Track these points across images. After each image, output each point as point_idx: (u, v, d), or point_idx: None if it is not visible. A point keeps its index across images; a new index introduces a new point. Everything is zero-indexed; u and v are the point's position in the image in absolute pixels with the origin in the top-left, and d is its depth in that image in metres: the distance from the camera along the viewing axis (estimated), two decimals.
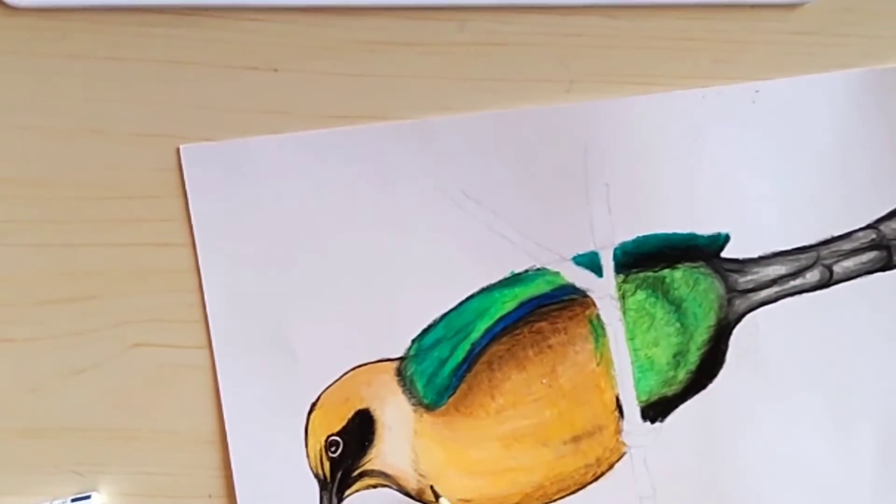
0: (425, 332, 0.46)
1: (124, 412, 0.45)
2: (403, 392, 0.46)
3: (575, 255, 0.46)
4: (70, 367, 0.44)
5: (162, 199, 0.44)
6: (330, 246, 0.45)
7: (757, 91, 0.45)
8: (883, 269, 0.47)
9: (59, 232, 0.44)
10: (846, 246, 0.46)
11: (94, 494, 0.44)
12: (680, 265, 0.46)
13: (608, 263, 0.46)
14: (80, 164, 0.44)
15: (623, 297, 0.46)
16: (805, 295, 0.47)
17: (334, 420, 0.45)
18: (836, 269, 0.46)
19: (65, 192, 0.44)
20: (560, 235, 0.46)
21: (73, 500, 0.44)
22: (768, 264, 0.46)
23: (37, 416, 0.44)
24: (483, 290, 0.46)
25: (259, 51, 0.44)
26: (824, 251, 0.46)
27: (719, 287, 0.46)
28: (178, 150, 0.44)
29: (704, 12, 0.45)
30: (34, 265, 0.44)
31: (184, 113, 0.44)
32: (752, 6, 0.45)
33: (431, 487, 0.45)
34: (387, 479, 0.46)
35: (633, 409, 0.46)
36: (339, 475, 0.45)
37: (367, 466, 0.45)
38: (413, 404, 0.46)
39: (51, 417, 0.44)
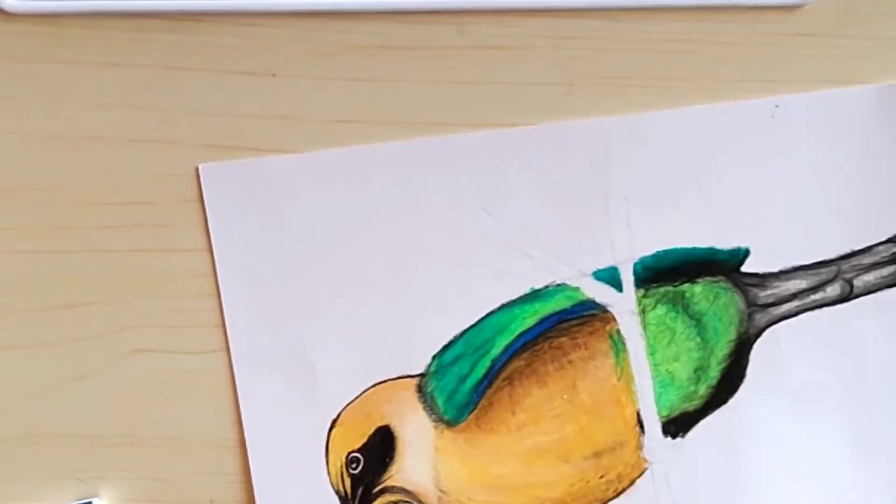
0: (445, 348, 0.46)
1: (125, 418, 0.45)
2: (424, 408, 0.46)
3: (595, 270, 0.46)
4: (71, 373, 0.45)
5: (160, 205, 0.44)
6: (349, 264, 0.45)
7: (776, 106, 0.46)
8: None
9: (58, 238, 0.44)
10: (867, 260, 0.47)
11: (95, 501, 0.45)
12: (700, 280, 0.46)
13: (628, 278, 0.46)
14: (77, 171, 0.44)
15: (643, 312, 0.46)
16: (826, 309, 0.47)
17: (355, 437, 0.45)
18: (857, 283, 0.47)
19: (62, 199, 0.44)
20: (580, 251, 0.46)
21: None
22: (788, 278, 0.46)
23: (38, 422, 0.45)
24: (503, 307, 0.46)
25: (257, 56, 0.44)
26: (845, 265, 0.46)
27: (739, 301, 0.46)
28: (178, 156, 0.44)
29: (704, 14, 0.45)
30: (33, 271, 0.44)
31: (181, 119, 0.44)
32: (752, 8, 0.45)
33: None
34: (408, 496, 0.46)
35: (654, 425, 0.46)
36: (359, 492, 0.45)
37: (388, 483, 0.45)
38: (434, 420, 0.45)
39: (52, 424, 0.45)
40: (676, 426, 0.46)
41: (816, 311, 0.47)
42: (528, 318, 0.46)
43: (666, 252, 0.46)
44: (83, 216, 0.44)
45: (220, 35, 0.44)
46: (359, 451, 0.45)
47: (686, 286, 0.46)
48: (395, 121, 0.45)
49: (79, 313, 0.44)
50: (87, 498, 0.45)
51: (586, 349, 0.46)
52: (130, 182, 0.44)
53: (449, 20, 0.44)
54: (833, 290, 0.46)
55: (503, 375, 0.46)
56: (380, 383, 0.46)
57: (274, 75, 0.44)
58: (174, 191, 0.44)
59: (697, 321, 0.46)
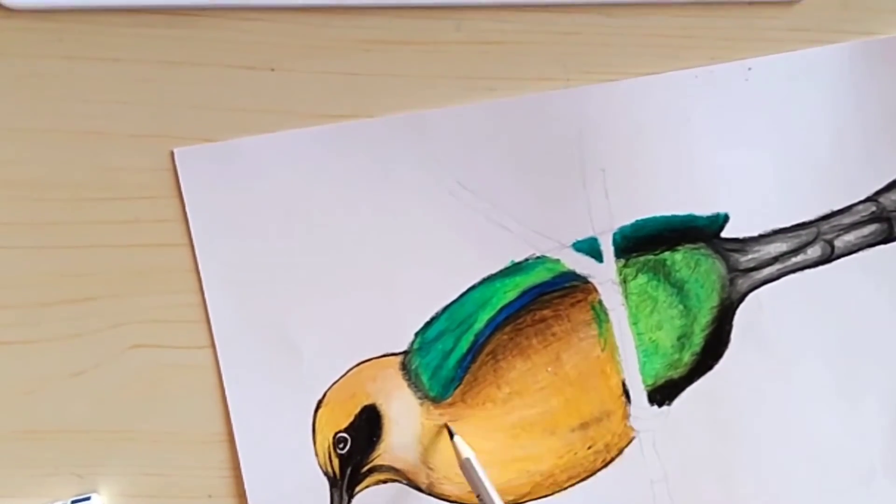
0: (428, 324, 0.46)
1: (123, 413, 0.45)
2: (409, 386, 0.46)
3: (574, 241, 0.46)
4: (69, 368, 0.45)
5: (159, 200, 0.44)
6: (328, 242, 0.45)
7: (749, 69, 0.45)
8: (884, 241, 0.47)
9: (57, 234, 0.44)
10: (846, 220, 0.46)
11: (93, 496, 0.45)
12: (680, 247, 0.46)
13: (608, 248, 0.46)
14: (77, 166, 0.44)
15: (624, 282, 0.46)
16: (807, 271, 0.46)
17: (341, 417, 0.45)
18: (837, 243, 0.46)
19: (62, 194, 0.44)
20: (558, 222, 0.46)
21: (73, 502, 0.44)
22: (769, 242, 0.46)
23: (36, 417, 0.45)
24: (484, 281, 0.46)
25: (256, 50, 0.44)
26: (824, 226, 0.46)
27: (721, 267, 0.46)
28: (171, 152, 0.44)
29: (701, 9, 0.45)
30: (31, 267, 0.44)
31: (181, 113, 0.44)
32: (749, 3, 0.45)
33: (447, 426, 0.44)
34: (396, 474, 0.46)
35: (639, 394, 0.46)
36: (348, 472, 0.45)
37: (377, 462, 0.45)
38: (419, 398, 0.45)
39: (50, 419, 0.45)
40: (662, 394, 0.46)
41: (798, 274, 0.46)
42: (510, 292, 0.46)
43: (645, 221, 0.46)
44: (82, 211, 0.44)
45: (219, 30, 0.44)
46: (345, 430, 0.45)
47: (666, 254, 0.46)
48: (392, 115, 0.45)
49: (77, 309, 0.44)
50: (87, 493, 0.45)
51: (569, 321, 0.46)
52: (128, 177, 0.44)
53: (446, 15, 0.45)
54: (814, 252, 0.46)
55: (487, 350, 0.46)
56: (364, 362, 0.45)
57: (272, 70, 0.44)
58: (173, 186, 0.44)
59: (679, 289, 0.46)
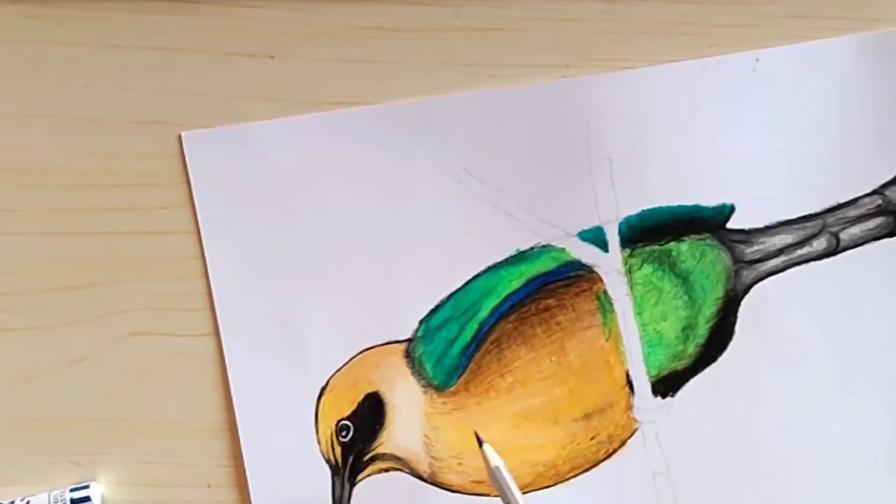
0: (433, 312, 0.45)
1: (123, 401, 0.45)
2: (413, 374, 0.45)
3: (580, 230, 0.46)
4: (69, 356, 0.45)
5: (160, 187, 0.44)
6: (334, 229, 0.45)
7: (757, 60, 0.45)
8: (890, 234, 0.46)
9: (57, 220, 0.44)
10: (852, 213, 0.46)
11: (92, 484, 0.45)
12: (686, 237, 0.46)
13: (613, 238, 0.46)
14: (78, 152, 0.44)
15: (630, 272, 0.46)
16: (812, 263, 0.46)
17: (344, 404, 0.45)
18: (843, 236, 0.46)
19: (63, 181, 0.44)
20: (564, 211, 0.46)
21: (71, 490, 0.44)
22: (774, 234, 0.46)
23: (35, 405, 0.45)
24: (489, 269, 0.46)
25: (256, 37, 0.44)
26: (830, 219, 0.46)
27: (726, 258, 0.46)
28: (179, 136, 0.44)
29: None
30: (32, 253, 0.44)
31: (181, 100, 0.44)
32: None
33: (476, 434, 0.44)
34: (399, 463, 0.45)
35: (643, 385, 0.46)
36: (350, 460, 0.45)
37: (379, 450, 0.45)
38: (423, 386, 0.45)
39: (49, 407, 0.45)
40: (666, 385, 0.46)
41: (803, 266, 0.46)
42: (515, 280, 0.46)
43: (651, 211, 0.46)
44: (82, 198, 0.44)
45: (219, 17, 0.44)
46: (348, 418, 0.45)
47: (672, 244, 0.46)
48: (393, 102, 0.45)
49: (77, 296, 0.44)
50: (85, 481, 0.45)
51: (573, 310, 0.46)
52: (129, 163, 0.44)
53: (446, 2, 0.45)
54: (819, 244, 0.46)
55: (491, 339, 0.46)
56: (368, 349, 0.45)
57: (272, 57, 0.44)
58: (173, 172, 0.44)
59: (684, 279, 0.46)
